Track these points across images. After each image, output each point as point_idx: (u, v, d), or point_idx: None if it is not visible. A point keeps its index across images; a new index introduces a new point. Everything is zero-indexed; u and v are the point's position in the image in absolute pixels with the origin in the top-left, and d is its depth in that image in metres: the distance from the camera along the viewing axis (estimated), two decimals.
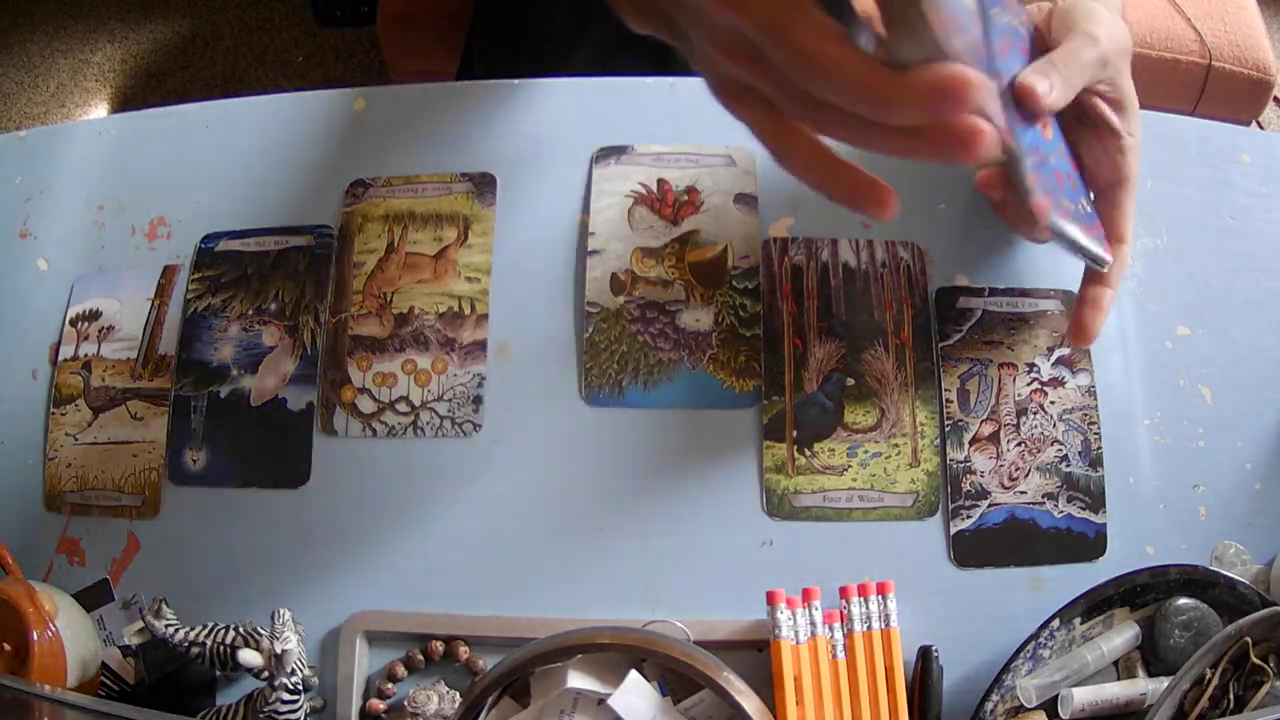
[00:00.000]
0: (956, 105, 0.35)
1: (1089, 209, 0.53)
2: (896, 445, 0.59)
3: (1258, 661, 0.49)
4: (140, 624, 0.54)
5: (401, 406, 0.61)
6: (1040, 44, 0.51)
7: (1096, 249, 0.51)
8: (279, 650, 0.51)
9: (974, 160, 0.36)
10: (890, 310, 0.61)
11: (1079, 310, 0.54)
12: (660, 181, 0.64)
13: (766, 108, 0.41)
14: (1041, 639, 0.53)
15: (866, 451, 0.59)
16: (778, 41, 0.38)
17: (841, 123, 0.39)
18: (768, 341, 0.61)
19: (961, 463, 0.59)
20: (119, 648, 0.58)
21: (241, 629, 0.54)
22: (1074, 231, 0.48)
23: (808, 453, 0.59)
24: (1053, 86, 0.47)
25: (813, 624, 0.53)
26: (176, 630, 0.54)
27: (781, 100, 0.40)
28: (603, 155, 0.65)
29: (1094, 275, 0.53)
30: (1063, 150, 0.52)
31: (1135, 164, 0.52)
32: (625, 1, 0.49)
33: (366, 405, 0.61)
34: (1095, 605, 0.54)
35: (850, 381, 0.60)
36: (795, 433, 0.59)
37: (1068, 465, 0.59)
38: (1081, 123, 0.53)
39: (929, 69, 0.35)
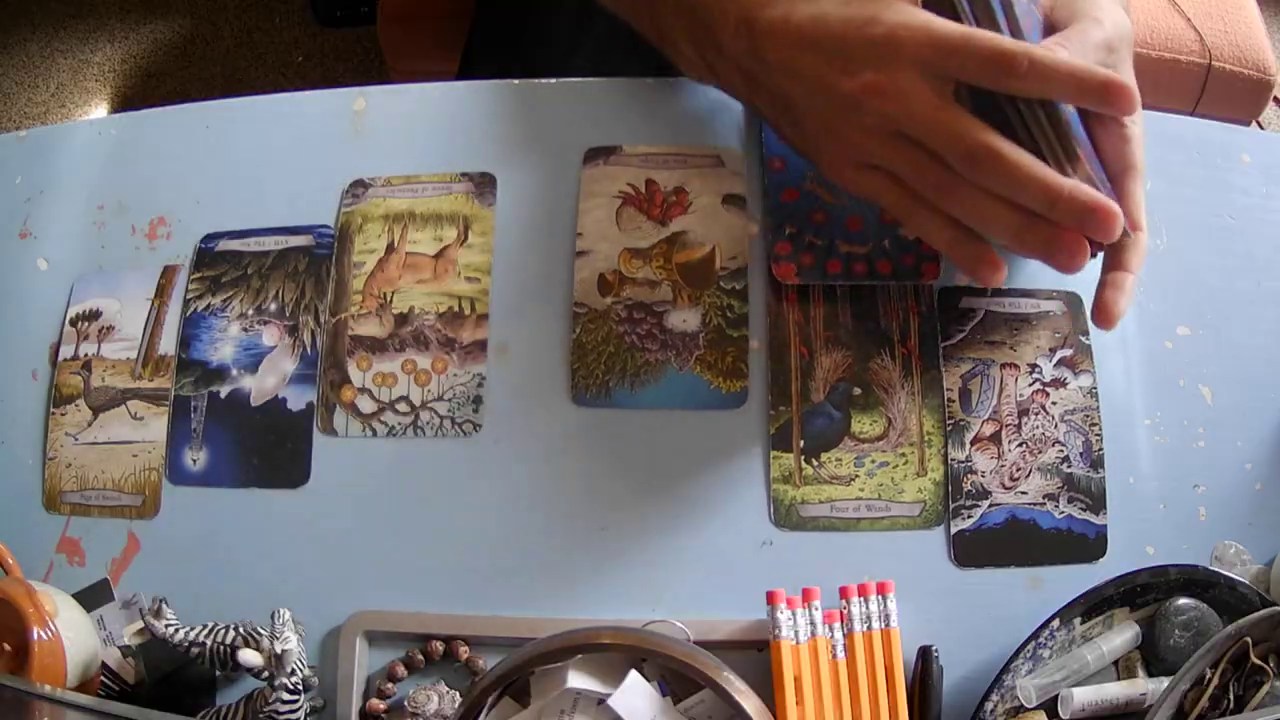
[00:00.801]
0: (1099, 230, 0.45)
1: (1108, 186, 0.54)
2: (904, 454, 0.59)
3: (1258, 661, 0.49)
4: (140, 624, 0.54)
5: (401, 406, 0.61)
6: (1049, 29, 0.52)
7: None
8: (279, 650, 0.51)
9: (1073, 270, 0.47)
10: (896, 319, 0.61)
11: (1101, 292, 0.53)
12: (649, 182, 0.64)
13: (893, 182, 0.50)
14: (1041, 639, 0.53)
15: (874, 461, 0.59)
16: (938, 136, 0.46)
17: (969, 208, 0.47)
18: (774, 351, 0.61)
19: (963, 462, 0.59)
20: (119, 648, 0.58)
21: (241, 629, 0.54)
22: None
23: (815, 463, 0.59)
24: (1066, 52, 0.48)
25: (813, 624, 0.53)
26: (176, 630, 0.54)
27: (916, 180, 0.49)
28: (591, 156, 0.65)
29: (1114, 260, 0.53)
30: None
31: (1141, 153, 0.53)
32: (691, 53, 0.58)
33: (366, 405, 0.61)
34: (1095, 605, 0.54)
35: (857, 391, 0.60)
36: (802, 443, 0.59)
37: (1069, 466, 0.59)
38: (1086, 113, 0.53)
39: (1091, 193, 0.45)
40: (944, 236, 0.49)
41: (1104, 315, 0.52)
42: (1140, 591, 0.54)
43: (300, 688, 0.52)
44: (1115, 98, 0.45)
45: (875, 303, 0.61)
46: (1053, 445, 0.59)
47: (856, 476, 0.59)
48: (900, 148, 0.48)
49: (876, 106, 0.47)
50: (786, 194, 0.62)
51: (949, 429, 0.59)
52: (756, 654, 0.56)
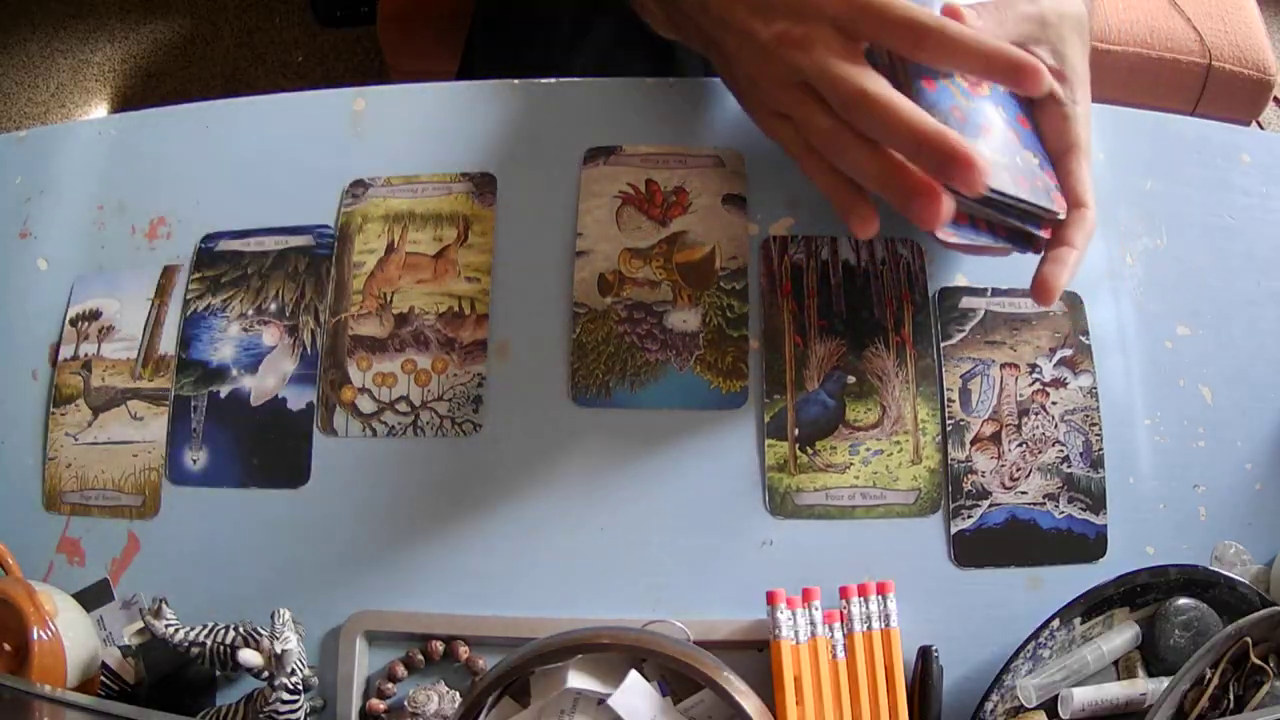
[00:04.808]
0: (958, 177, 0.44)
1: (1037, 160, 0.53)
2: (898, 442, 0.59)
3: (1258, 661, 0.49)
4: (140, 624, 0.54)
5: (401, 406, 0.61)
6: None
7: (1041, 200, 0.51)
8: (279, 650, 0.51)
9: (928, 223, 0.46)
10: (890, 307, 0.61)
11: (1042, 266, 0.52)
12: (649, 182, 0.64)
13: (795, 130, 0.51)
14: (1041, 639, 0.53)
15: (868, 449, 0.59)
16: (829, 83, 0.48)
17: (844, 154, 0.49)
18: (768, 340, 0.61)
19: (963, 462, 0.59)
20: (119, 648, 0.58)
21: (241, 629, 0.54)
22: (1003, 182, 0.49)
23: (810, 451, 0.59)
24: (979, 15, 0.50)
25: (813, 624, 0.53)
26: (176, 630, 0.54)
27: (806, 127, 0.50)
28: (591, 156, 0.65)
29: (1059, 235, 0.53)
30: (1014, 108, 0.54)
31: (1085, 131, 0.54)
32: (658, 10, 0.60)
33: (366, 405, 0.61)
34: (1095, 605, 0.54)
35: (851, 379, 0.60)
36: (797, 431, 0.59)
37: (1069, 466, 0.59)
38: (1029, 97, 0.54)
39: (954, 139, 0.44)
40: (825, 181, 0.51)
41: (1040, 290, 0.52)
42: (1140, 591, 0.54)
43: (300, 688, 0.52)
44: (1020, 76, 0.46)
45: (869, 292, 0.61)
46: (1053, 445, 0.59)
47: (851, 464, 0.59)
48: (801, 97, 0.50)
49: (786, 56, 0.49)
50: (926, 80, 0.54)
51: (949, 428, 0.59)
52: (756, 654, 0.56)
